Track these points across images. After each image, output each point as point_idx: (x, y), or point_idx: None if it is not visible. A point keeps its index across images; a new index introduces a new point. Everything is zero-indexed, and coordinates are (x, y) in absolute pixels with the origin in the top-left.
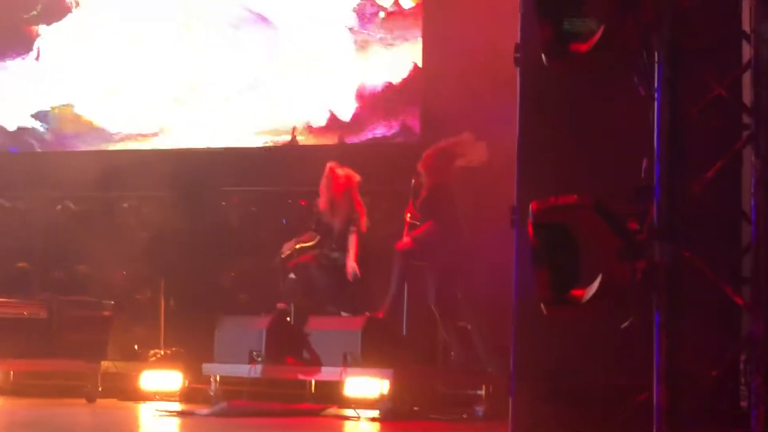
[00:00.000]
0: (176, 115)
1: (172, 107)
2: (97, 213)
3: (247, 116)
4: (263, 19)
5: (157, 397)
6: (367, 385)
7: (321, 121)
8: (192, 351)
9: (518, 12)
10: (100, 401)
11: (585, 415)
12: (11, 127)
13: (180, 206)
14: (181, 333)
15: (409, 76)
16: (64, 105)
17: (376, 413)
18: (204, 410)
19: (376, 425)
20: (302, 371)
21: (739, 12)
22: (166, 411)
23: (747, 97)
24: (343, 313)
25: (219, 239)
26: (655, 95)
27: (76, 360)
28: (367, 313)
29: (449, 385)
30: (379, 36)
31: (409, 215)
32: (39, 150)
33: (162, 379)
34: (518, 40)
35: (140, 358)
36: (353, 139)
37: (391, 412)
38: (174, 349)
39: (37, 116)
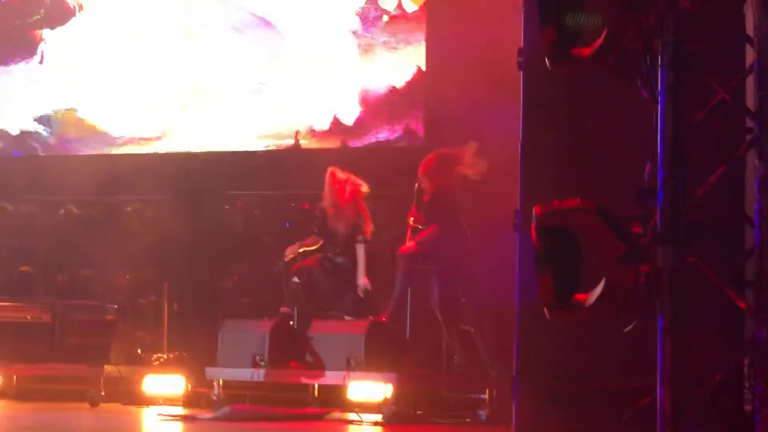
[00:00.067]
0: (179, 118)
1: (175, 111)
2: (100, 217)
3: (250, 120)
4: (266, 23)
5: (160, 401)
6: (370, 388)
7: (324, 124)
8: (195, 355)
9: (521, 16)
10: (103, 405)
11: (588, 419)
12: (15, 131)
13: (183, 210)
14: (185, 337)
15: (412, 79)
16: (67, 109)
17: (379, 417)
18: (207, 414)
19: (380, 429)
20: (305, 375)
21: (743, 15)
22: (169, 415)
23: (750, 100)
24: (347, 317)
25: (222, 243)
26: (659, 99)
27: (80, 364)
28: (371, 317)
29: (453, 389)
30: (382, 40)
31: (412, 219)
32: (42, 154)
33: (165, 383)
34: (521, 44)
35: (143, 362)
36: (356, 143)
37: (394, 416)
38: (177, 353)
39: (41, 120)
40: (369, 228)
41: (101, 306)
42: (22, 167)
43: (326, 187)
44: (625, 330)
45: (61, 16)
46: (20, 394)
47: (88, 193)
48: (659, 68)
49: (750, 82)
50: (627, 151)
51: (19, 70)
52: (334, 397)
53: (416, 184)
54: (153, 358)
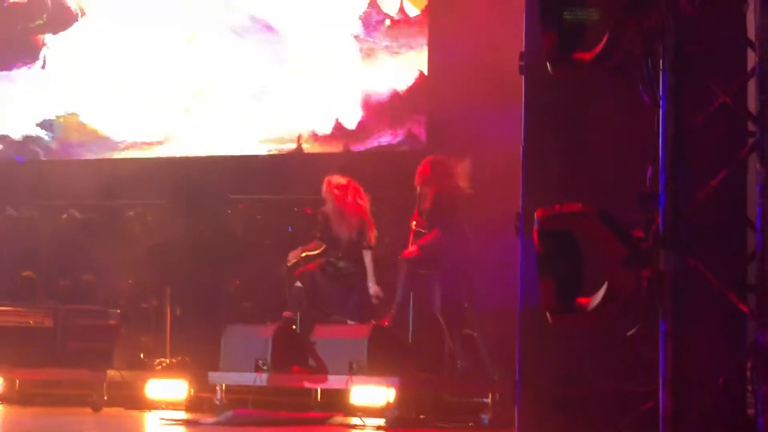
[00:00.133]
0: (181, 123)
1: (177, 115)
2: (102, 221)
3: (252, 124)
4: (268, 28)
5: (162, 406)
6: (373, 393)
7: (326, 129)
8: (198, 359)
9: (522, 20)
10: (105, 410)
11: (591, 423)
12: (17, 136)
13: (185, 214)
14: (187, 341)
15: (414, 84)
16: (69, 114)
17: (382, 421)
18: (210, 419)
19: None
20: (308, 380)
21: (744, 18)
22: (171, 420)
23: (752, 104)
24: (349, 322)
25: (224, 247)
26: (660, 103)
27: (82, 369)
28: (373, 322)
29: (455, 393)
30: (384, 44)
31: (414, 223)
32: (44, 158)
33: (168, 387)
34: (523, 48)
35: (146, 367)
36: (359, 147)
37: (397, 420)
38: (180, 357)
39: (43, 125)
40: (373, 233)
41: (104, 311)
42: (24, 172)
43: (325, 195)
44: (628, 334)
45: (63, 20)
46: (23, 398)
47: (90, 198)
48: (660, 72)
49: (751, 85)
50: (628, 154)
51: (21, 74)
52: (336, 402)
53: (418, 188)
54: (155, 363)
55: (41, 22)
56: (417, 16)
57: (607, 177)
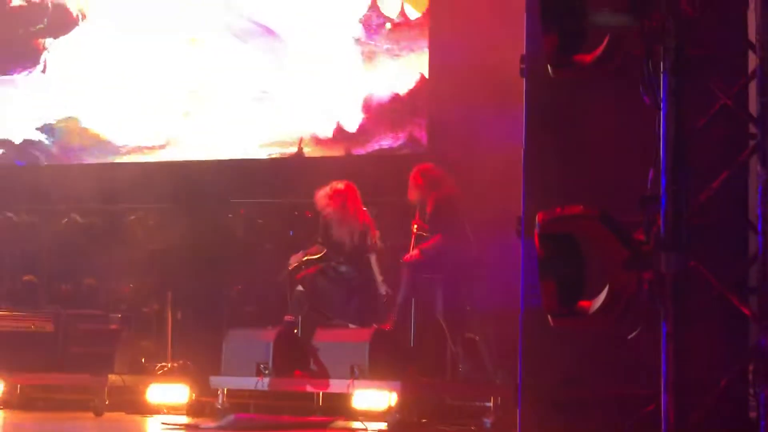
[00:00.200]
0: (182, 127)
1: (178, 119)
2: (103, 226)
3: (253, 128)
4: (269, 31)
5: (164, 410)
6: (375, 397)
7: (328, 132)
8: (199, 364)
9: (523, 23)
10: (107, 415)
11: (593, 426)
12: (17, 140)
13: (186, 218)
14: (188, 346)
15: (415, 86)
16: (70, 118)
17: (384, 425)
18: (211, 423)
19: None
20: (310, 384)
21: (745, 21)
22: (173, 424)
23: (753, 106)
24: (351, 326)
25: (226, 251)
26: (661, 105)
27: (83, 373)
28: (375, 326)
29: (457, 397)
30: (385, 47)
31: (416, 227)
32: (45, 163)
33: (169, 392)
34: (524, 51)
35: (147, 372)
36: (360, 151)
37: (399, 424)
38: (181, 362)
39: (43, 129)
40: (376, 234)
41: (105, 315)
42: (25, 176)
43: (323, 204)
44: (629, 337)
45: (64, 25)
46: (24, 403)
47: (91, 202)
48: (661, 73)
49: (752, 87)
50: (629, 156)
51: (22, 79)
52: (338, 406)
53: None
54: (157, 367)
55: (42, 26)
56: (417, 18)
57: (608, 179)
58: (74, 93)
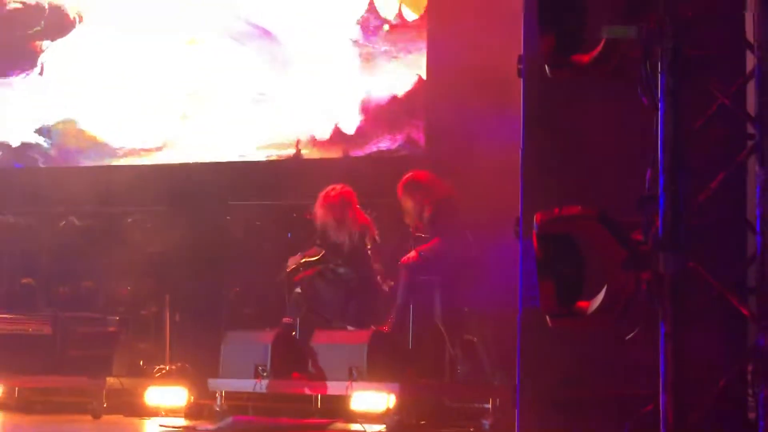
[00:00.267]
0: (180, 129)
1: (175, 122)
2: (101, 228)
3: (251, 130)
4: (267, 33)
5: (162, 412)
6: (373, 399)
7: (325, 134)
8: (197, 366)
9: (521, 24)
10: (105, 417)
11: (591, 426)
12: (15, 143)
13: (184, 221)
14: (187, 348)
15: (413, 88)
16: (67, 120)
17: (382, 427)
18: (209, 426)
19: None
20: (308, 386)
21: (743, 21)
22: (171, 427)
23: (751, 106)
24: (349, 328)
25: (224, 253)
26: (659, 105)
27: (81, 376)
28: (373, 327)
29: (456, 399)
30: (383, 49)
31: (414, 228)
32: (43, 165)
33: (167, 394)
34: (521, 52)
35: (145, 374)
36: (358, 152)
37: (397, 426)
38: (179, 364)
39: (41, 131)
40: (374, 232)
41: (103, 318)
42: (22, 179)
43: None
44: (627, 337)
45: (61, 27)
46: (22, 406)
47: (88, 205)
48: (659, 74)
49: (751, 87)
50: (627, 157)
51: (19, 81)
52: (336, 408)
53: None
54: (155, 370)
55: (39, 28)
56: (415, 20)
57: (606, 180)
58: (71, 95)
